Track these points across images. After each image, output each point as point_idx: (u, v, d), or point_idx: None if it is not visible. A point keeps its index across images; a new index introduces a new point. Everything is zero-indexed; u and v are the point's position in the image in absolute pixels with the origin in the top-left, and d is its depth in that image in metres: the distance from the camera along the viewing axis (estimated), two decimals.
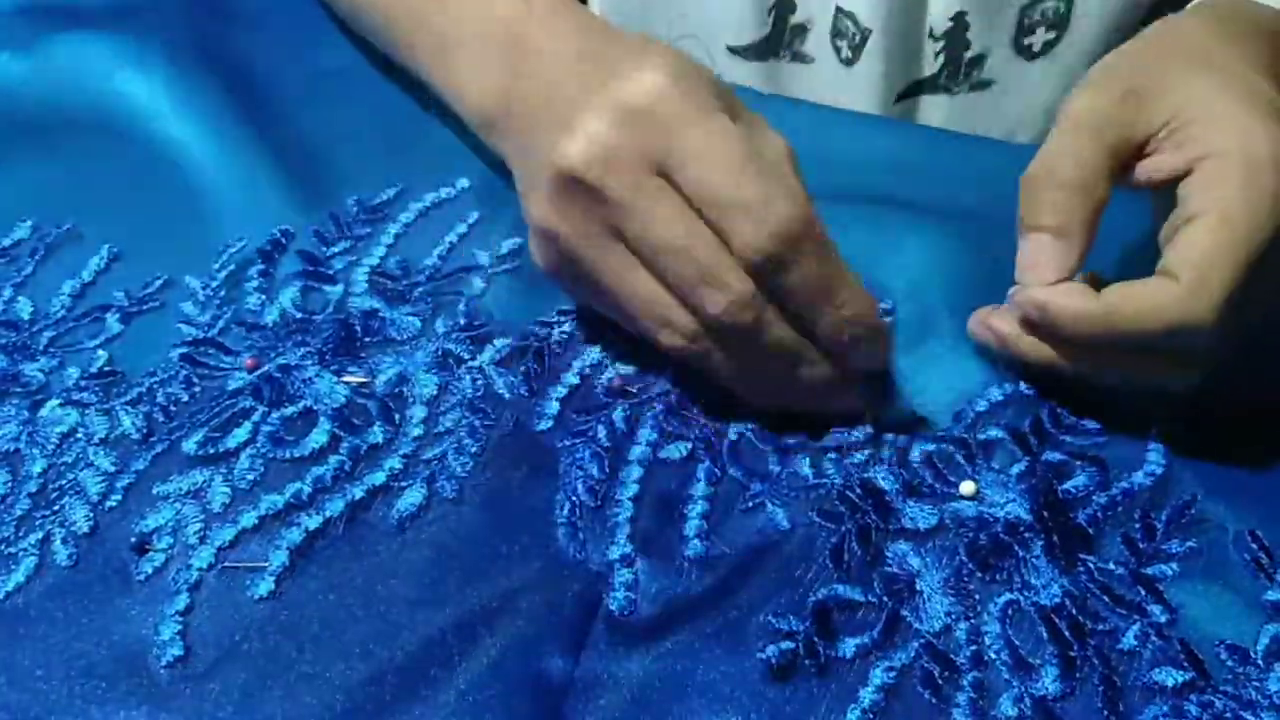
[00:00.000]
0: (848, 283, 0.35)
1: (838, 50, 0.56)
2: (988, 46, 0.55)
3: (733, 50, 0.58)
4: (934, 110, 0.57)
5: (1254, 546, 0.37)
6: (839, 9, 0.55)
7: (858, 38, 0.55)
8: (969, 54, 0.55)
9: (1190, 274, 0.35)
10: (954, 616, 0.35)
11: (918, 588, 0.35)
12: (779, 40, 0.57)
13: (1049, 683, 0.33)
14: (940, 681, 0.33)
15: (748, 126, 0.36)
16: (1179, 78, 0.38)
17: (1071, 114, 0.38)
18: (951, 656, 0.34)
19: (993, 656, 0.34)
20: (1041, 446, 0.39)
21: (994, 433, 0.39)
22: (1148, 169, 0.38)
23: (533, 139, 0.38)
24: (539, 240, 0.38)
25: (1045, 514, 0.37)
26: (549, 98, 0.38)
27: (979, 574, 0.36)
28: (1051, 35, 0.54)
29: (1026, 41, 0.54)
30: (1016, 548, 0.36)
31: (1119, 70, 0.40)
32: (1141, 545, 0.37)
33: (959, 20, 0.54)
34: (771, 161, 0.35)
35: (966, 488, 0.37)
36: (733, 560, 0.36)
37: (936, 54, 0.55)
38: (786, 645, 0.34)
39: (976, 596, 0.35)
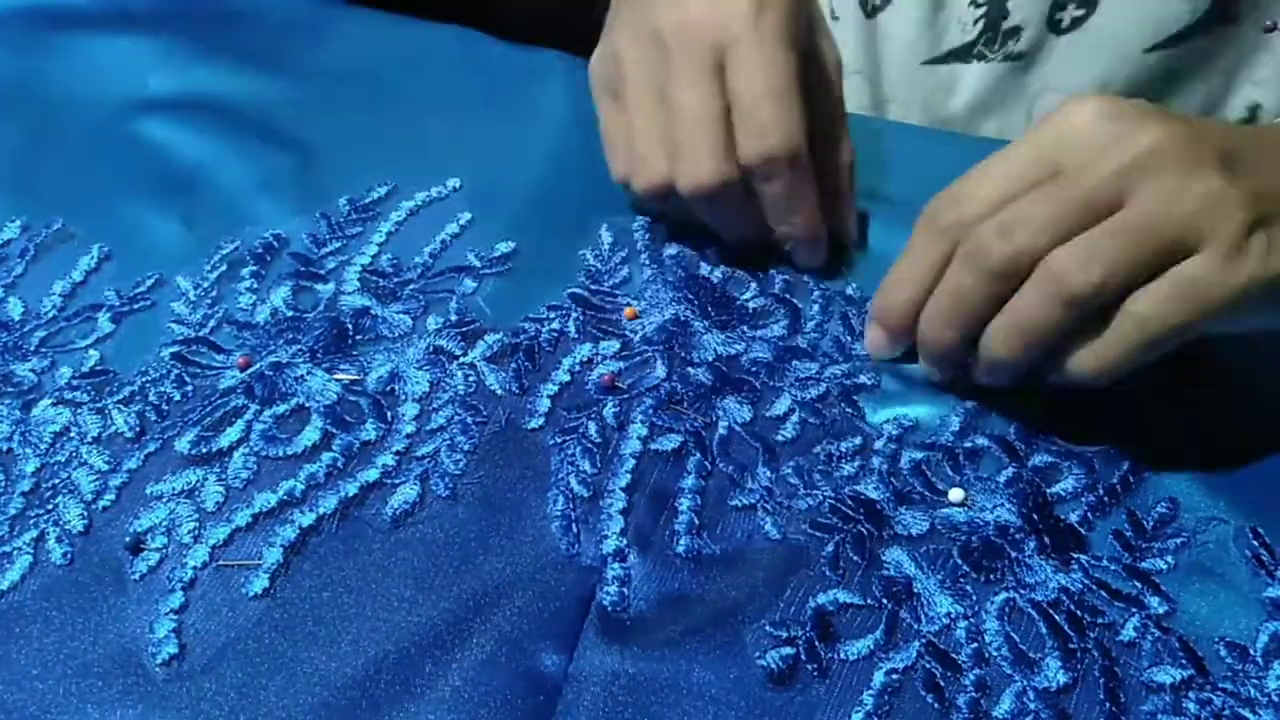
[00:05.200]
0: (808, 205, 0.42)
1: (864, 4, 0.59)
2: (1025, 19, 0.55)
3: None
4: (967, 76, 0.58)
5: (1255, 543, 0.37)
6: None
7: None
8: (1006, 24, 0.55)
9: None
10: (953, 616, 0.35)
11: (915, 590, 0.35)
12: None
13: (1053, 674, 0.33)
14: (942, 682, 0.33)
15: (805, 58, 0.42)
16: None
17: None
18: (953, 656, 0.34)
19: (993, 653, 0.34)
20: (1029, 450, 0.39)
21: (980, 440, 0.39)
22: None
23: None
24: (605, 54, 0.44)
25: (1034, 516, 0.37)
26: None
27: (974, 575, 0.36)
28: (1080, 12, 0.54)
29: (1058, 16, 0.55)
30: (1008, 549, 0.36)
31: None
32: (1133, 541, 0.37)
33: None
34: (783, 91, 0.40)
35: (955, 495, 0.37)
36: (725, 561, 0.36)
37: (975, 20, 0.56)
38: (787, 651, 0.34)
39: (974, 596, 0.35)
